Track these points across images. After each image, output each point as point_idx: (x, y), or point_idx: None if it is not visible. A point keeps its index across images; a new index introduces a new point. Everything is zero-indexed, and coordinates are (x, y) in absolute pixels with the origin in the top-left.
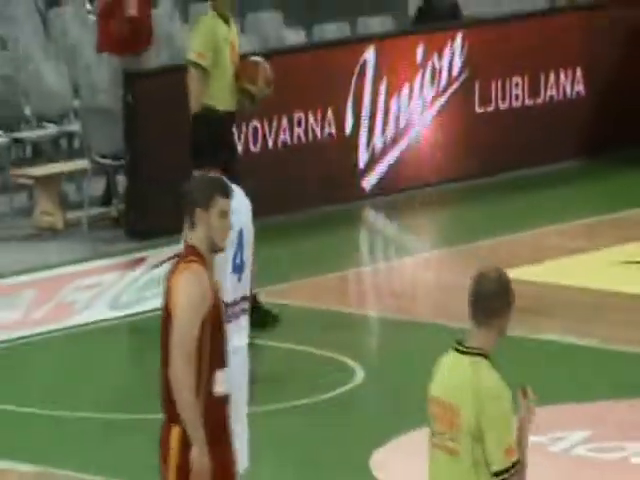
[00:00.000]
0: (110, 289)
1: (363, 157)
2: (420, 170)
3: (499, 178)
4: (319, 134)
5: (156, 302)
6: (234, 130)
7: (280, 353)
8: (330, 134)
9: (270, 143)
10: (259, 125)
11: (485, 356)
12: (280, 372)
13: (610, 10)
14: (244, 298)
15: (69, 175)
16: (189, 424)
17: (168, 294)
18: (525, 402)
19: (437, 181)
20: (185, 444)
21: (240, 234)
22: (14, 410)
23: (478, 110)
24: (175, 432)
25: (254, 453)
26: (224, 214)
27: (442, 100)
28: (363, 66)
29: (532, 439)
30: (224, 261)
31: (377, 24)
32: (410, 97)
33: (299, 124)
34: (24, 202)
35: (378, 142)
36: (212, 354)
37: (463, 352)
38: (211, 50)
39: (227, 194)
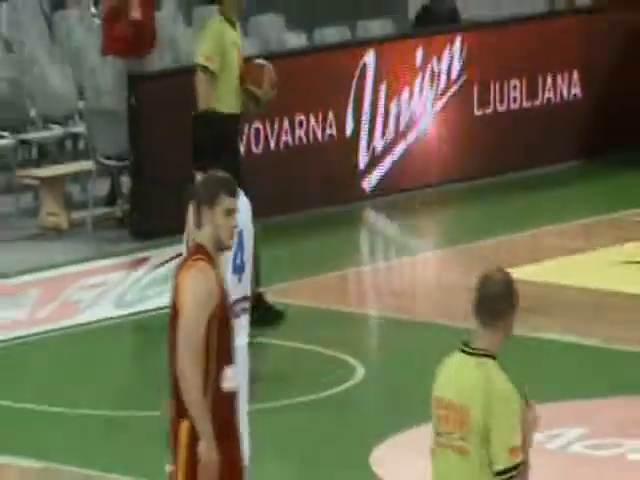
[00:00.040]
0: (114, 288)
1: (363, 158)
2: (420, 171)
3: (498, 179)
4: (320, 136)
5: (159, 301)
6: (238, 132)
7: (283, 351)
8: (331, 136)
9: (272, 144)
10: (261, 127)
11: (492, 357)
12: (282, 370)
13: (607, 14)
14: (245, 298)
15: (74, 176)
16: (196, 419)
17: (175, 291)
18: (532, 405)
19: (436, 182)
20: (194, 439)
21: (240, 235)
22: (18, 407)
23: (477, 112)
24: (184, 427)
25: (256, 450)
26: (229, 212)
27: (441, 103)
28: (363, 69)
29: None
30: (224, 262)
31: (377, 28)
32: (410, 100)
33: (300, 126)
34: (30, 202)
35: (378, 144)
36: (219, 351)
37: (469, 353)
38: (219, 54)
39: (233, 193)
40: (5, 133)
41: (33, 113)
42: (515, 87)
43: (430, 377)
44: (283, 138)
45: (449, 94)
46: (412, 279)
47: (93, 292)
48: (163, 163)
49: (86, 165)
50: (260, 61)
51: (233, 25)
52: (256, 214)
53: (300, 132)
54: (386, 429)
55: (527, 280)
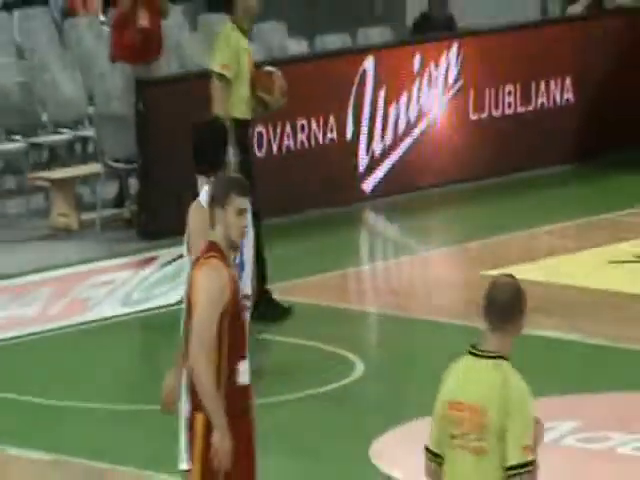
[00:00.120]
0: (122, 287)
1: (363, 161)
2: (417, 174)
3: (492, 181)
4: (321, 139)
5: (165, 299)
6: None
7: (285, 347)
8: (332, 139)
9: (275, 148)
10: (264, 131)
11: (505, 359)
12: (284, 365)
13: (599, 22)
14: (245, 297)
15: (83, 178)
16: (210, 412)
17: (190, 287)
18: (538, 419)
19: (433, 184)
20: (209, 430)
21: None
22: (29, 400)
23: (472, 117)
24: (199, 418)
25: (258, 443)
26: (241, 212)
27: (438, 107)
28: (363, 75)
29: None
30: None
31: (376, 35)
32: (408, 104)
33: (302, 130)
34: (41, 204)
35: (377, 147)
36: (231, 346)
37: (481, 356)
38: (234, 62)
39: (244, 193)
40: (17, 137)
41: (44, 117)
42: (510, 92)
43: (428, 373)
44: (285, 142)
45: (446, 99)
46: (410, 278)
47: (102, 290)
48: (170, 166)
49: (95, 168)
50: (269, 68)
51: (244, 33)
52: (259, 215)
53: (302, 136)
54: (385, 422)
55: (520, 279)
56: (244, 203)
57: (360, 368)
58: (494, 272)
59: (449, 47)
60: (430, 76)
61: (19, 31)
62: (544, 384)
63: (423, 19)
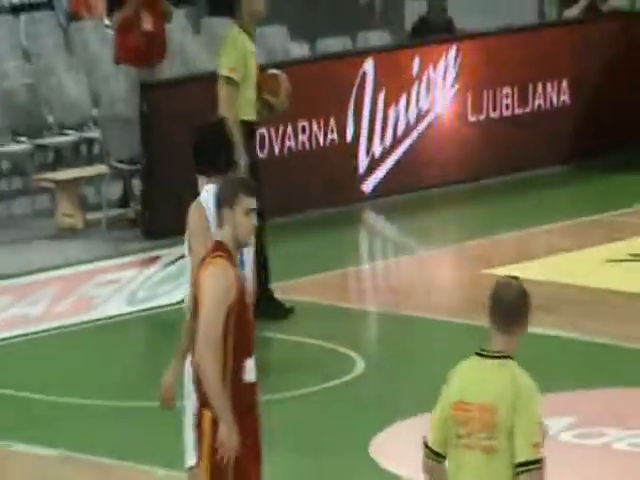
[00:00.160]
0: (127, 286)
1: (363, 162)
2: (416, 174)
3: (490, 182)
4: (322, 141)
5: (169, 298)
6: (254, 138)
7: (287, 345)
8: (332, 141)
9: (276, 149)
10: (266, 132)
11: (511, 358)
12: (286, 362)
13: (595, 25)
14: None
15: (89, 179)
16: (217, 408)
17: (196, 286)
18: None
19: (433, 185)
20: (217, 426)
21: None
22: (35, 397)
23: (470, 118)
24: (207, 415)
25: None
26: (249, 212)
27: (437, 109)
28: (363, 77)
29: None
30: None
31: (376, 38)
32: (407, 106)
33: (303, 131)
34: (46, 204)
35: (377, 148)
36: (237, 344)
37: (488, 356)
38: (242, 65)
39: (251, 193)
40: (23, 138)
41: (50, 119)
42: (507, 95)
43: (427, 370)
44: (287, 143)
45: (444, 101)
46: (409, 277)
47: (107, 289)
48: (173, 166)
49: (100, 169)
50: (274, 71)
51: (250, 36)
52: (264, 215)
53: (303, 137)
54: (385, 418)
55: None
56: (252, 203)
57: (361, 365)
58: (493, 271)
59: (447, 50)
60: (429, 78)
61: (26, 35)
62: (541, 381)
63: (422, 23)
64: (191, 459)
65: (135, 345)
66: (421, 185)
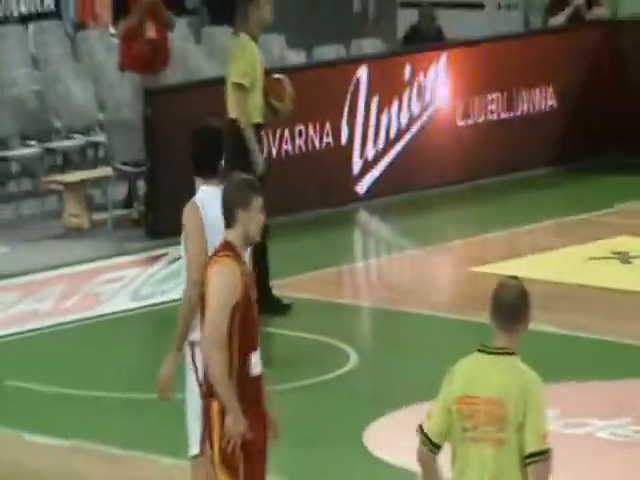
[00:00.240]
0: (132, 283)
1: (357, 165)
2: (408, 176)
3: (479, 184)
4: (318, 144)
5: (172, 294)
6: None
7: (284, 339)
8: (328, 144)
9: (274, 152)
10: (264, 136)
11: (514, 354)
12: (283, 356)
13: (579, 33)
14: None
15: (95, 181)
16: (222, 397)
17: (204, 283)
18: None
19: (424, 186)
20: (224, 415)
21: None
22: (44, 390)
23: (459, 123)
24: (215, 406)
25: None
26: (260, 209)
27: (427, 114)
28: (357, 84)
29: None
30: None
31: (369, 46)
32: (399, 111)
33: (300, 135)
34: (54, 205)
35: (370, 151)
36: (243, 338)
37: (491, 353)
38: (252, 71)
39: (259, 191)
40: (32, 142)
41: (58, 124)
42: (494, 100)
43: (419, 363)
44: (284, 146)
45: (434, 107)
46: (402, 274)
47: (113, 286)
48: (175, 169)
49: (106, 171)
50: (278, 76)
51: (256, 41)
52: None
53: (300, 141)
54: (378, 410)
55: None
56: (261, 200)
57: (354, 359)
58: (482, 269)
59: (438, 57)
60: (420, 84)
61: (34, 43)
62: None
63: (413, 31)
64: (195, 448)
65: (140, 340)
66: (413, 186)
